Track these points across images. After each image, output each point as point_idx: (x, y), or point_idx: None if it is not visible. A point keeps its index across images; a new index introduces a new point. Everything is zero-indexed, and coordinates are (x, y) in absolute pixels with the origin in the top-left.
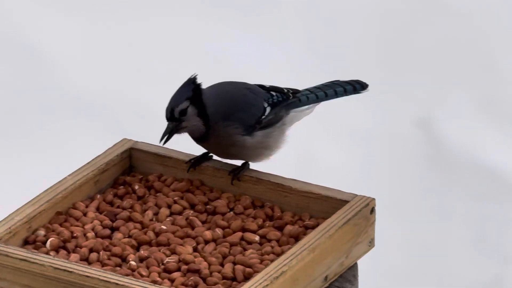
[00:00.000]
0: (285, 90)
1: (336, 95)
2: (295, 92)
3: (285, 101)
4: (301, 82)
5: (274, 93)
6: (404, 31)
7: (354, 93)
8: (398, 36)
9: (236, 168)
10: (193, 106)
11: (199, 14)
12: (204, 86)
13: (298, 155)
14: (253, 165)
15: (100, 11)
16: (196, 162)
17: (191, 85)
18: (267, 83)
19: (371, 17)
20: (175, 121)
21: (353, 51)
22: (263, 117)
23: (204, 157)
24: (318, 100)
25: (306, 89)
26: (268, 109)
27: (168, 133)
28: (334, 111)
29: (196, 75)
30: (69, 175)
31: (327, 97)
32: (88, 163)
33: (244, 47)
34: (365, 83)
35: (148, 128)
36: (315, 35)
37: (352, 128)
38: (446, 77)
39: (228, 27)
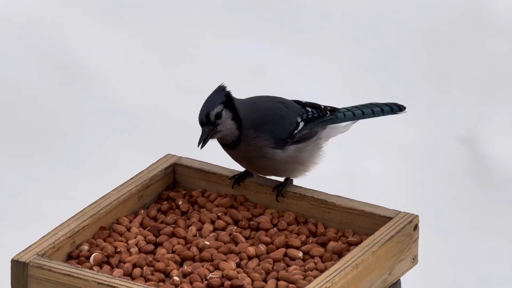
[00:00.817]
0: (322, 107)
1: (373, 114)
2: (333, 110)
3: (321, 118)
4: (345, 98)
5: (309, 109)
6: (448, 48)
7: (392, 114)
8: (442, 53)
9: (279, 184)
10: (227, 109)
11: (245, 31)
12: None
13: (341, 171)
14: (296, 181)
15: (146, 26)
16: (239, 178)
17: (222, 91)
18: (308, 99)
19: (415, 34)
20: (211, 125)
21: (397, 67)
22: (296, 131)
23: (248, 173)
24: (355, 117)
25: (344, 108)
26: (301, 124)
27: (205, 138)
28: (378, 127)
29: (224, 84)
30: (113, 190)
31: (364, 115)
32: (132, 178)
33: (288, 63)
34: (402, 105)
35: (192, 143)
36: (359, 52)
37: (396, 145)
38: (490, 94)
39: (273, 43)
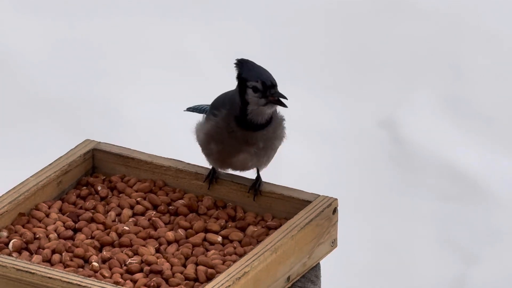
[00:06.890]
0: None
1: None
2: None
3: None
4: None
5: None
6: (367, 30)
7: None
8: (361, 36)
9: (254, 183)
10: None
11: (163, 14)
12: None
13: None
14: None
15: (63, 11)
16: (213, 177)
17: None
18: (230, 84)
19: (333, 17)
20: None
21: (316, 51)
22: None
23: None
24: None
25: None
26: None
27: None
28: (298, 111)
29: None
30: (31, 176)
31: None
32: (50, 164)
33: (207, 48)
34: None
35: (110, 128)
36: (279, 34)
37: (316, 128)
38: (409, 77)
39: (190, 25)
